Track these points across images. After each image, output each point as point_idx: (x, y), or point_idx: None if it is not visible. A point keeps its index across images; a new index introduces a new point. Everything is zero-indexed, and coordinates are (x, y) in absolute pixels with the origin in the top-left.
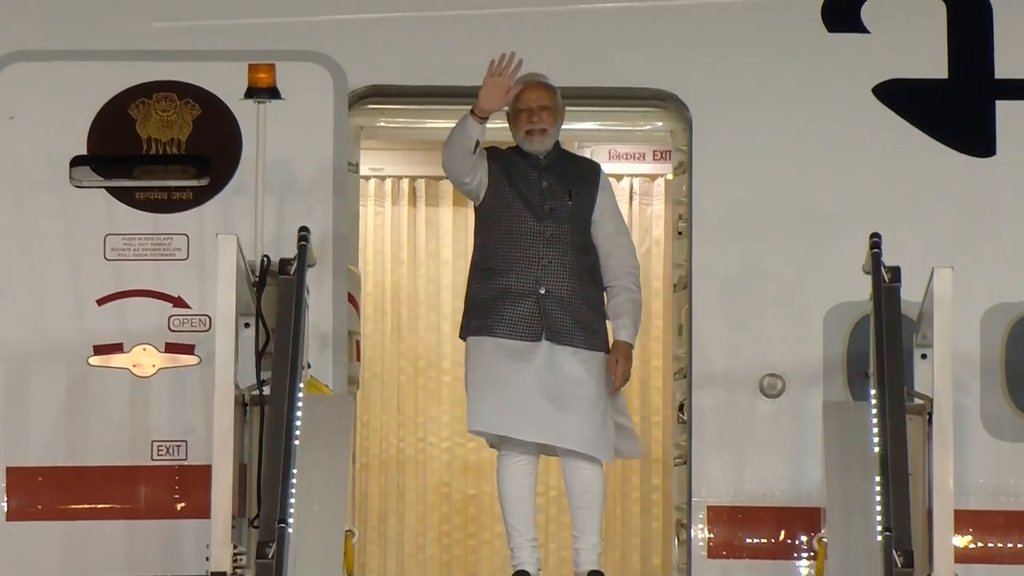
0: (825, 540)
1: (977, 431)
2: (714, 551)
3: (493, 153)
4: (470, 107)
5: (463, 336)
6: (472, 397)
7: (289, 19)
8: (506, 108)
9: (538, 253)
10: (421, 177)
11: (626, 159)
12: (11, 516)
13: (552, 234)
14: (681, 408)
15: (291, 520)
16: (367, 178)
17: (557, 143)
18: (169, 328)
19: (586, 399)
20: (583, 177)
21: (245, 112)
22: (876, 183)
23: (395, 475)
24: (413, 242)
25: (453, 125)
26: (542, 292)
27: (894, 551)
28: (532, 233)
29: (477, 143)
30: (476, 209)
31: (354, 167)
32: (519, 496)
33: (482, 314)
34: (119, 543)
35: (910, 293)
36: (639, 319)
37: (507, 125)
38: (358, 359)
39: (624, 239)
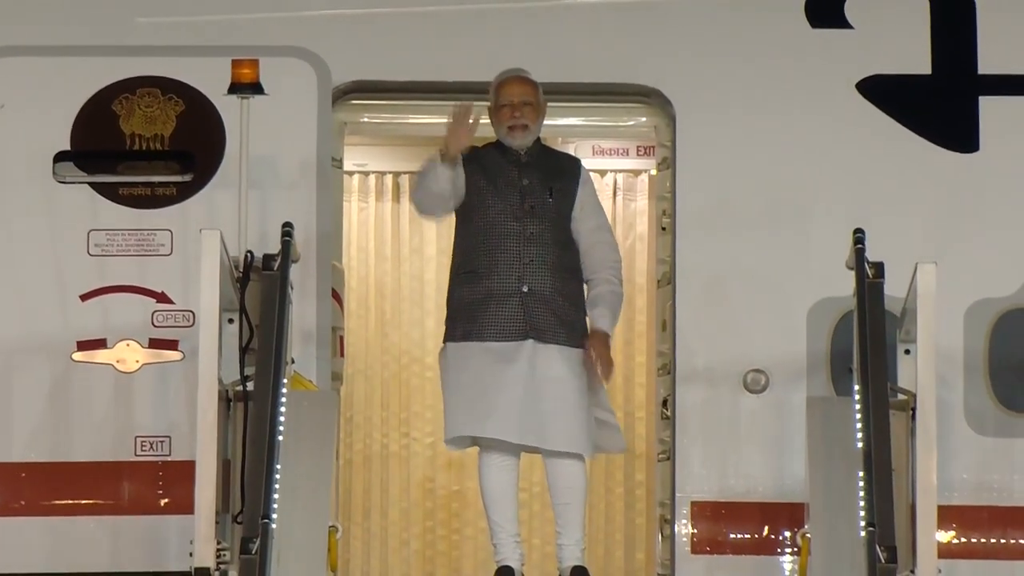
0: (809, 536)
1: (960, 427)
2: (697, 547)
3: (469, 154)
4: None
5: (448, 342)
6: (453, 404)
7: (272, 15)
8: (487, 103)
9: (520, 252)
10: (405, 173)
11: (610, 155)
12: None
13: (532, 232)
14: (665, 404)
15: (275, 516)
16: (351, 174)
17: (538, 139)
18: (153, 324)
19: (569, 397)
20: (564, 173)
21: (229, 108)
22: (860, 179)
23: (379, 471)
24: (397, 238)
25: (435, 121)
26: (525, 291)
27: (877, 547)
28: (513, 232)
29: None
30: (455, 211)
31: (338, 163)
32: (501, 492)
33: (468, 318)
34: (103, 539)
35: (894, 288)
36: (618, 311)
37: (487, 119)
38: (342, 355)
39: (606, 235)
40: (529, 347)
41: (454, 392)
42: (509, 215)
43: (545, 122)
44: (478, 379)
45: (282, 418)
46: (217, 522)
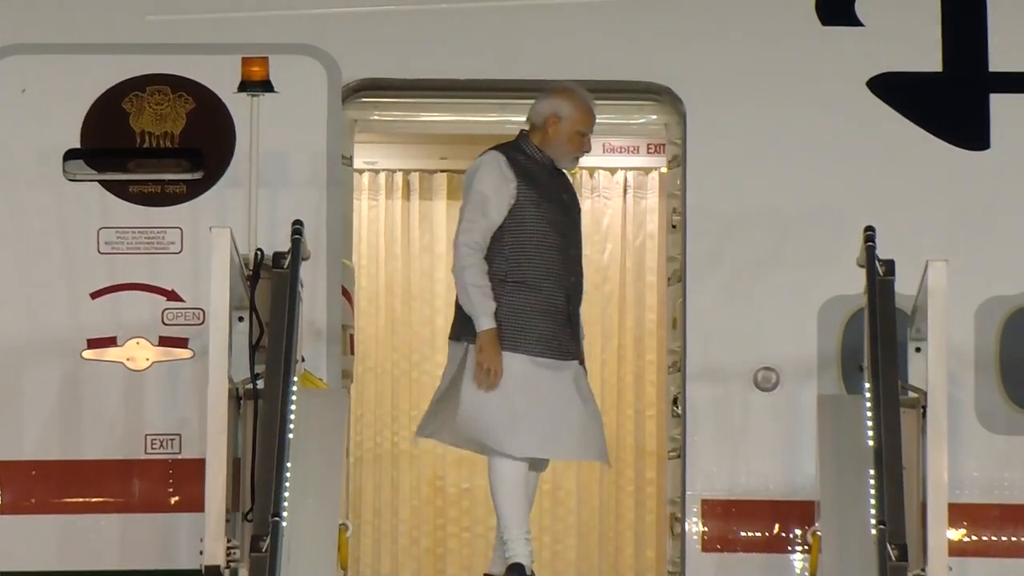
0: (819, 533)
1: (971, 424)
2: (708, 545)
3: (513, 161)
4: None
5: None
6: (509, 421)
7: (283, 12)
8: (554, 113)
9: (565, 270)
10: (415, 171)
11: (620, 152)
12: (4, 510)
13: (572, 248)
14: (675, 402)
15: (285, 514)
16: (361, 171)
17: None
18: (163, 322)
19: (597, 412)
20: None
21: (239, 105)
22: (870, 176)
23: (389, 469)
24: (407, 236)
25: (446, 119)
26: (571, 309)
27: (888, 544)
28: (559, 246)
29: None
30: None
31: (348, 160)
32: (515, 489)
33: (516, 328)
34: (113, 537)
35: (904, 286)
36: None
37: (497, 117)
38: (352, 353)
39: None
40: (575, 366)
41: (505, 407)
42: (556, 228)
43: None
44: (543, 400)
45: (292, 416)
46: (227, 520)
